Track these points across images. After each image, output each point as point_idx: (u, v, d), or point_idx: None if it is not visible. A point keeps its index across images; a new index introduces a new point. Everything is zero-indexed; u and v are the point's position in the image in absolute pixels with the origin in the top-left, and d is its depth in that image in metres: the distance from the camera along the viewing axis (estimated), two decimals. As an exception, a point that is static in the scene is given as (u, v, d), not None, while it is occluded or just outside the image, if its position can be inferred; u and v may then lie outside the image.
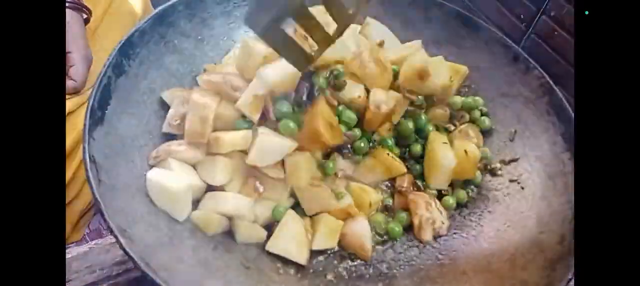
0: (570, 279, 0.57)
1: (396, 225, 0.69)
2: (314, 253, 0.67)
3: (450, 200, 0.73)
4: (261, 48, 0.68)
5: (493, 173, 0.77)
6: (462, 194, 0.74)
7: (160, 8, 0.74)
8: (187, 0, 0.77)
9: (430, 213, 0.70)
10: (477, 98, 0.81)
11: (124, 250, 0.52)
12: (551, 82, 0.75)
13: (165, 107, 0.73)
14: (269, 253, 0.66)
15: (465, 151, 0.72)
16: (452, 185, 0.75)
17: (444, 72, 0.74)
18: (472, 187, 0.76)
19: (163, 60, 0.75)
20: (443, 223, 0.70)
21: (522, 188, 0.73)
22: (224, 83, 0.68)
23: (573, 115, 0.71)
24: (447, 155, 0.71)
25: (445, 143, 0.73)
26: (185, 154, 0.66)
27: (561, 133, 0.72)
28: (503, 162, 0.78)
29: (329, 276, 0.65)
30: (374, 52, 0.72)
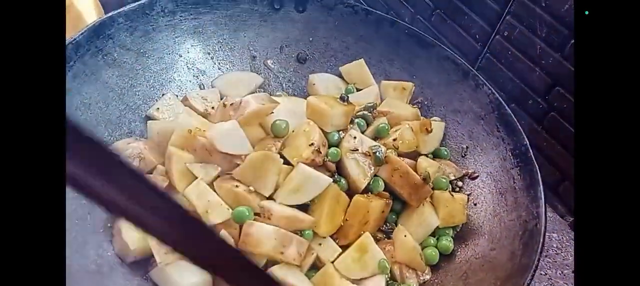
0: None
1: None
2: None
3: (433, 253, 0.69)
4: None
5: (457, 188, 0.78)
6: (446, 244, 0.70)
7: (97, 19, 0.72)
8: (128, 12, 0.75)
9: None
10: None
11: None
12: (500, 98, 0.77)
13: (100, 123, 0.70)
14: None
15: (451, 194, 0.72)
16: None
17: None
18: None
19: (100, 74, 0.72)
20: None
21: (475, 204, 0.74)
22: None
23: (521, 130, 0.73)
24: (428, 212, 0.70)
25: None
26: None
27: (510, 149, 0.74)
28: (466, 176, 0.79)
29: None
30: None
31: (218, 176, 0.67)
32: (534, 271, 0.59)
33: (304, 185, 0.64)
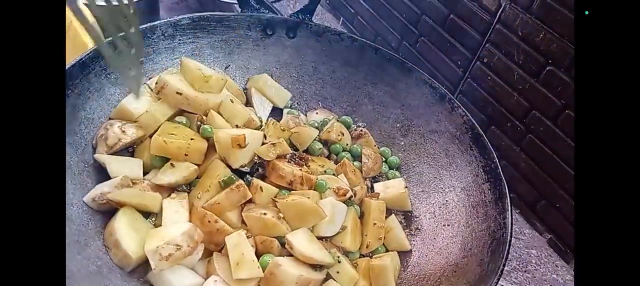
0: (486, 298, 0.65)
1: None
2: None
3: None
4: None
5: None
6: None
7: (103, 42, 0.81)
8: (132, 35, 0.84)
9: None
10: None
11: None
12: (473, 120, 0.87)
13: (103, 137, 0.78)
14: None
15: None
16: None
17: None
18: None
19: (104, 92, 0.81)
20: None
21: (449, 217, 0.82)
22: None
23: (492, 148, 0.82)
24: None
25: None
26: None
27: (482, 165, 0.82)
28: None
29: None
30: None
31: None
32: (500, 275, 0.66)
33: (335, 215, 0.75)
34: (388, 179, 0.91)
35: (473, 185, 0.82)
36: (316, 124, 0.95)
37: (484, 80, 1.19)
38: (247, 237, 0.71)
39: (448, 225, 0.81)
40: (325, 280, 0.72)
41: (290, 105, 1.00)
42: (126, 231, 0.68)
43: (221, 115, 0.82)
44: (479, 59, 1.20)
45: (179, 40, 0.91)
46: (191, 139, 0.75)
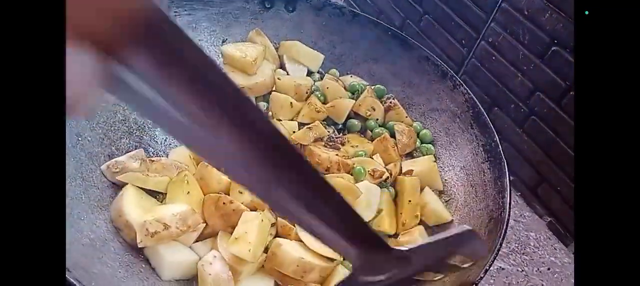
0: (481, 277, 0.65)
1: None
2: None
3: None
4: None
5: None
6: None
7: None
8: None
9: None
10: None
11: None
12: (474, 98, 0.85)
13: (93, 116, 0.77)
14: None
15: None
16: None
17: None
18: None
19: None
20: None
21: (449, 196, 0.81)
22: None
23: (492, 127, 0.81)
24: None
25: None
26: None
27: (482, 144, 0.81)
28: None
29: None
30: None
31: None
32: (496, 253, 0.66)
33: (371, 199, 0.74)
34: (422, 154, 0.89)
35: (472, 164, 0.81)
36: (352, 89, 0.94)
37: (488, 60, 1.17)
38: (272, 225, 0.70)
39: (445, 205, 0.80)
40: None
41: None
42: (135, 210, 0.68)
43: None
44: (483, 39, 1.17)
45: (175, 12, 0.90)
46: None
